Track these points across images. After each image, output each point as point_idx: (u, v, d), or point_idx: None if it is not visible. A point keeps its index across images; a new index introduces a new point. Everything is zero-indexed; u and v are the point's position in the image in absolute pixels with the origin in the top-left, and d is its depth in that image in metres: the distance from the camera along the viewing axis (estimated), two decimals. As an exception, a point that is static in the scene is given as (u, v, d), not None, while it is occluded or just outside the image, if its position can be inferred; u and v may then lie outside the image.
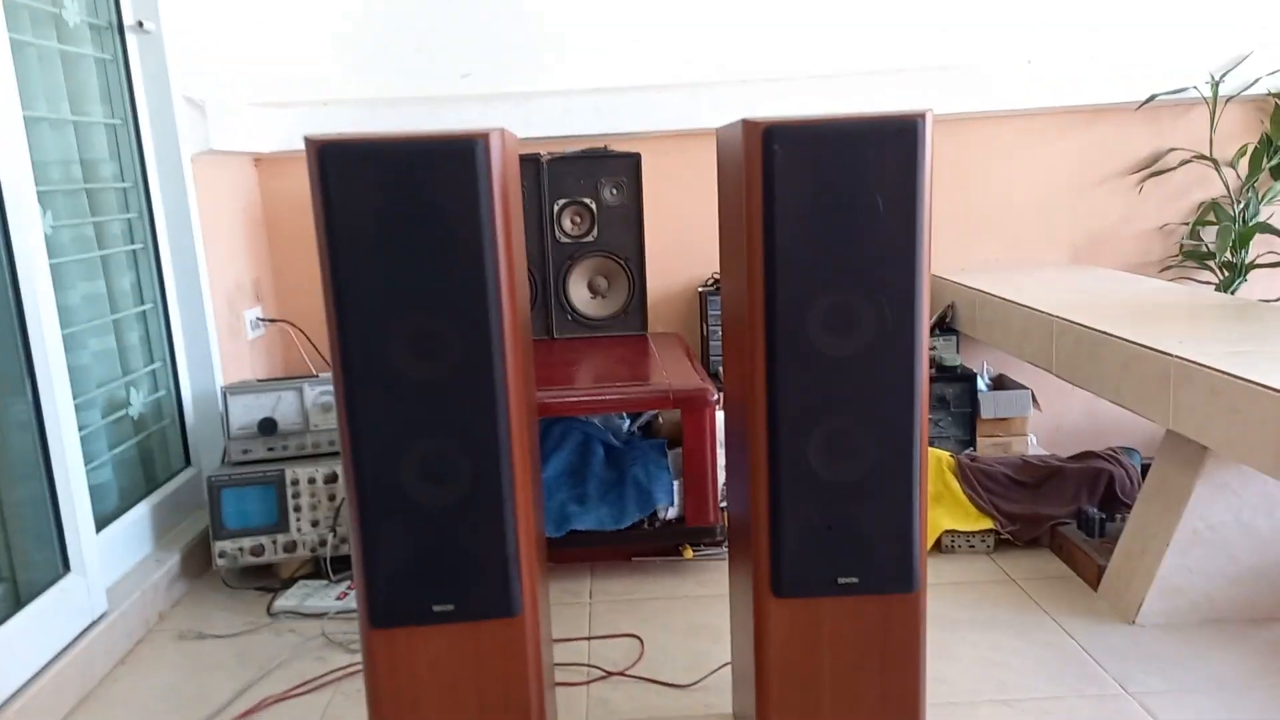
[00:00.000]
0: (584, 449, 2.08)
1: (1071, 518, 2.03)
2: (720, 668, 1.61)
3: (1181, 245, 2.63)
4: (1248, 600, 1.71)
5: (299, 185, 2.68)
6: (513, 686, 1.13)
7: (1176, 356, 1.56)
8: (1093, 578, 1.86)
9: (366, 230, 1.03)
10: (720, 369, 2.53)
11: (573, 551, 2.04)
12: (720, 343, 2.56)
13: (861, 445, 1.11)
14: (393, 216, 1.03)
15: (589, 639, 1.75)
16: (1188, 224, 2.63)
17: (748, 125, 1.05)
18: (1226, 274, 2.52)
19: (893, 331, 1.08)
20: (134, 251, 2.14)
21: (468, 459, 1.09)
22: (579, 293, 2.50)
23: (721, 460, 2.03)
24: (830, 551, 1.13)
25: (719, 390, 1.98)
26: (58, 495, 1.69)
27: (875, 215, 1.06)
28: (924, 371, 1.10)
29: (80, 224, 1.94)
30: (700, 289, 2.58)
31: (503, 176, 1.05)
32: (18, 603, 1.61)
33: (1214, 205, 2.57)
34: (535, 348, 2.42)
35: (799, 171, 1.05)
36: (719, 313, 2.52)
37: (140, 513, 2.02)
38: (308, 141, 1.03)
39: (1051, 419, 2.71)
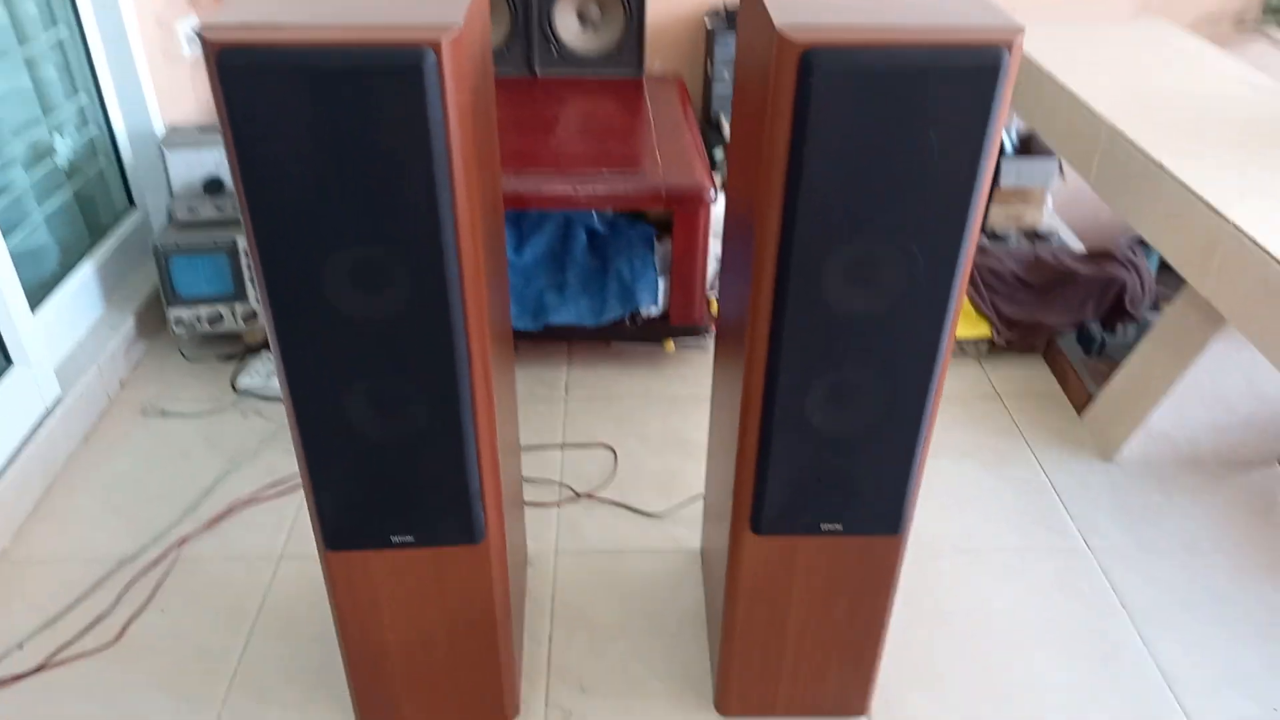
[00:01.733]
0: (565, 233, 1.91)
1: (1072, 328, 1.94)
2: (692, 499, 1.61)
3: (1267, 2, 2.27)
4: (1232, 446, 1.68)
5: None
6: (478, 605, 1.10)
7: (1232, 223, 1.38)
8: (1080, 402, 1.82)
9: (288, 153, 0.82)
10: (722, 117, 2.28)
11: (550, 334, 1.95)
12: (723, 85, 2.28)
13: (868, 400, 0.99)
14: (320, 139, 0.81)
15: (562, 447, 1.73)
16: (1279, -30, 2.25)
17: (782, 41, 0.80)
18: (1306, 38, 2.21)
19: (924, 291, 0.92)
20: (33, -41, 1.79)
21: (422, 397, 0.96)
22: (567, 23, 2.17)
23: (714, 250, 1.88)
24: (817, 497, 1.05)
25: (718, 183, 1.78)
26: (-16, 288, 1.55)
27: (926, 160, 0.85)
28: (952, 328, 0.96)
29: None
30: (707, 24, 2.24)
31: (461, 86, 0.82)
32: (-36, 397, 1.54)
33: (1315, -50, 2.19)
34: (514, 88, 2.14)
35: (840, 106, 0.82)
36: (727, 57, 2.22)
37: (85, 273, 1.88)
38: (204, 41, 0.78)
39: (1073, 187, 2.51)
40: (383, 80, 0.78)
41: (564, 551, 1.51)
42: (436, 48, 0.78)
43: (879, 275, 0.92)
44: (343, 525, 1.04)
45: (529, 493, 1.63)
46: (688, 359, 1.96)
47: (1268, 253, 1.31)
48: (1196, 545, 1.54)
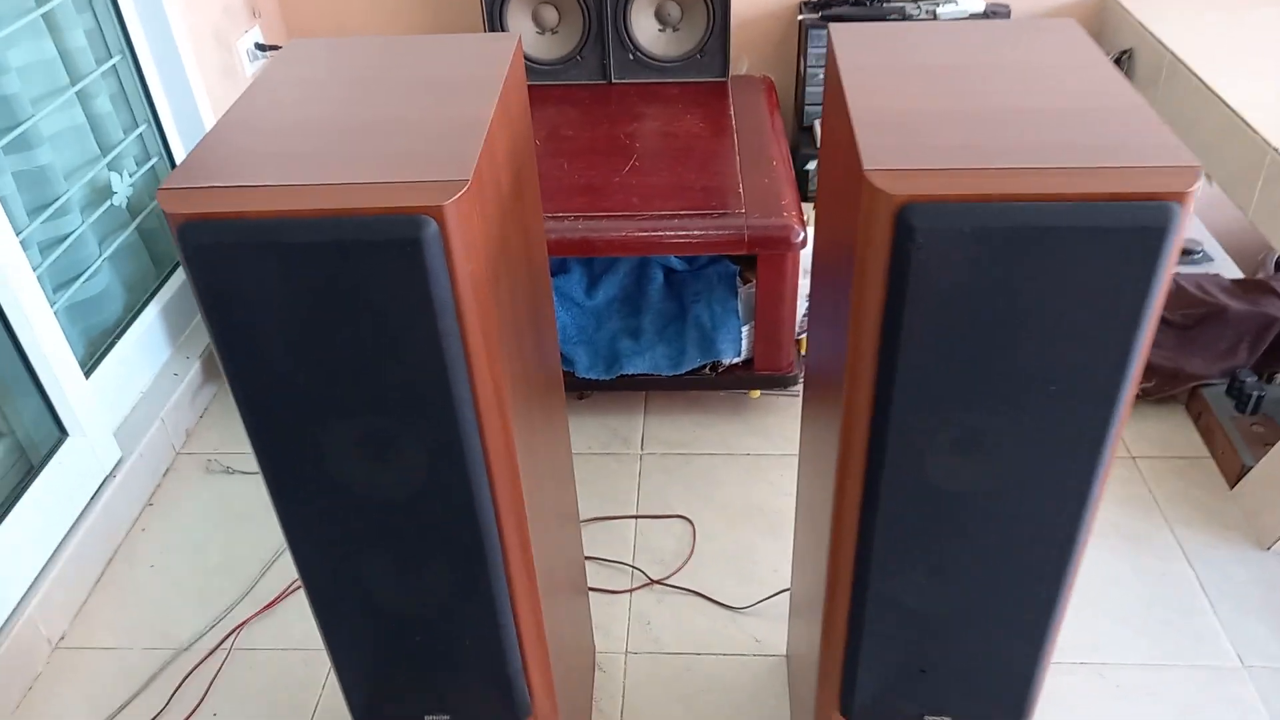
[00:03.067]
0: (640, 273, 1.75)
1: (1222, 377, 1.69)
2: (779, 593, 1.45)
3: None
4: None
5: None
6: (523, 778, 0.98)
7: None
8: (1231, 471, 1.58)
9: (270, 327, 0.68)
10: (816, 124, 2.06)
11: (625, 381, 1.80)
12: (818, 85, 2.06)
13: (980, 581, 0.82)
14: (304, 316, 0.67)
15: (635, 518, 1.59)
16: None
17: (872, 190, 0.62)
18: None
19: (1057, 473, 0.73)
20: (84, -9, 1.70)
21: (447, 571, 0.83)
22: (644, 25, 1.98)
23: (803, 289, 1.69)
24: (920, 686, 0.89)
25: (809, 219, 1.59)
26: (30, 360, 1.49)
27: (1062, 332, 0.66)
28: (1094, 507, 0.77)
29: (-5, -17, 1.51)
30: (800, 15, 2.02)
31: (473, 252, 0.66)
32: (29, 468, 1.48)
33: None
34: (587, 98, 1.97)
35: (947, 270, 0.63)
36: (823, 54, 2.00)
37: (150, 315, 1.82)
38: (167, 214, 0.65)
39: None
40: (372, 256, 0.64)
41: (634, 652, 1.38)
42: (438, 214, 0.63)
43: (997, 449, 0.73)
44: (372, 702, 0.92)
45: (599, 576, 1.50)
46: (773, 406, 1.79)
47: None
48: (1375, 661, 1.31)
